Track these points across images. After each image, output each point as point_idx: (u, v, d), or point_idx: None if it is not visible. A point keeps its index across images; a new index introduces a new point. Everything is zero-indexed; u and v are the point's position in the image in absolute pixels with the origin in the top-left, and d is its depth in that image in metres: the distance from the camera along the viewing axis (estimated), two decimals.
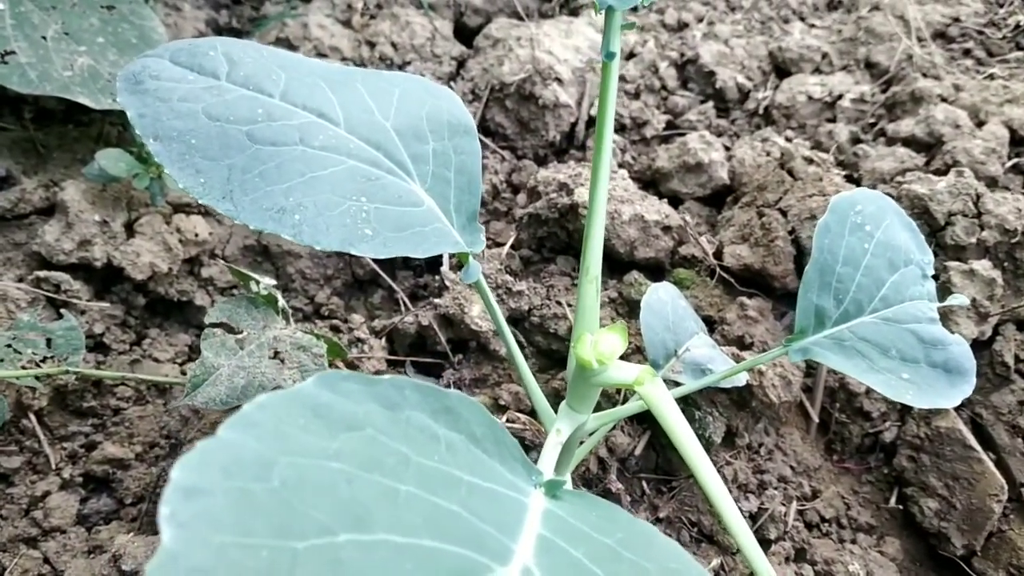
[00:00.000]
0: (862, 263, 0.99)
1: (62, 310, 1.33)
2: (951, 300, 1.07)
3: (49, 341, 1.27)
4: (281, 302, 1.27)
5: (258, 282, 1.25)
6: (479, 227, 0.97)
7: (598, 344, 0.90)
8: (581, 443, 1.15)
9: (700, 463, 0.82)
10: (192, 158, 0.83)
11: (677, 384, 1.20)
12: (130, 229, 1.47)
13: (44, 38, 1.51)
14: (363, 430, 0.54)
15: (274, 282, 1.32)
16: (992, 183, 1.49)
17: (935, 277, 1.33)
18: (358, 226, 0.83)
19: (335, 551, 0.45)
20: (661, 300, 1.23)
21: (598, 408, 1.06)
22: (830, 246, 0.97)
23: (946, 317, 1.31)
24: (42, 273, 1.38)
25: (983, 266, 1.33)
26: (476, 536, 0.54)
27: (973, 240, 1.37)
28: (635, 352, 1.39)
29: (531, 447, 1.28)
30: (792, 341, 0.98)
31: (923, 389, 0.97)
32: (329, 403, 0.54)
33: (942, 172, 1.49)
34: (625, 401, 1.30)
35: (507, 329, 1.04)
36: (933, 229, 1.40)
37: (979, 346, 1.37)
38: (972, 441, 1.27)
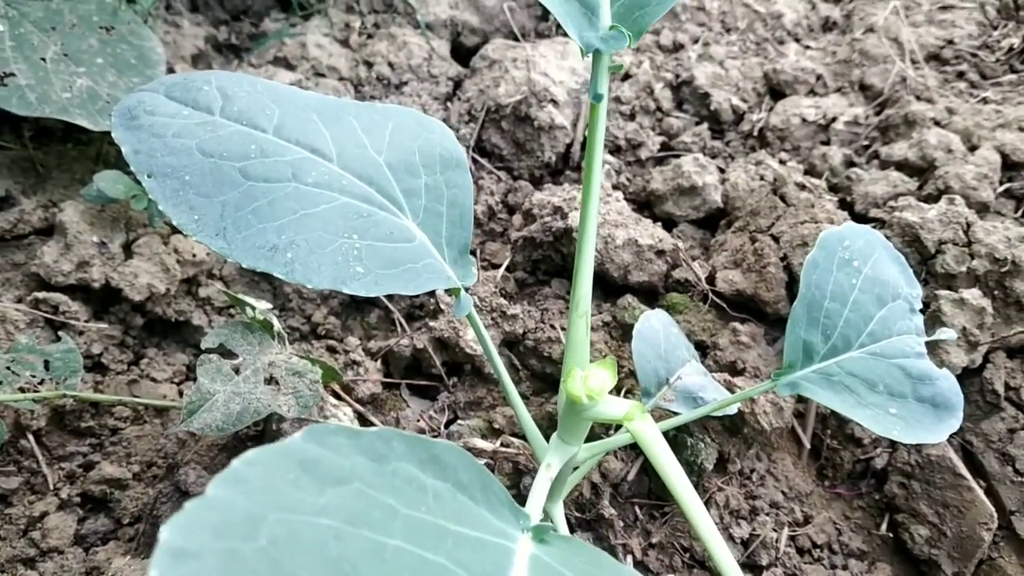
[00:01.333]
0: (850, 298, 1.00)
1: (60, 332, 1.34)
2: (939, 334, 1.08)
3: (47, 363, 1.28)
4: (277, 326, 1.27)
5: (253, 308, 1.26)
6: (471, 260, 0.98)
7: (588, 380, 0.91)
8: (575, 469, 1.16)
9: (687, 497, 0.83)
10: (186, 195, 0.84)
11: (670, 412, 1.21)
12: (128, 250, 1.48)
13: (43, 60, 1.52)
14: (350, 484, 0.55)
15: (269, 306, 1.33)
16: (984, 209, 1.50)
17: (925, 306, 1.34)
18: (349, 264, 0.84)
19: None
20: (653, 328, 1.24)
21: (592, 434, 1.07)
22: (818, 282, 0.98)
23: (936, 346, 1.32)
24: (40, 294, 1.39)
25: (973, 295, 1.34)
26: None
27: (963, 269, 1.38)
28: (628, 376, 1.40)
29: (525, 472, 1.29)
30: (780, 375, 0.99)
31: (911, 424, 0.98)
32: (317, 457, 0.54)
33: (934, 197, 1.50)
34: (618, 429, 1.31)
35: (498, 358, 1.05)
36: (924, 257, 1.41)
37: (969, 374, 1.38)
38: (962, 469, 1.28)
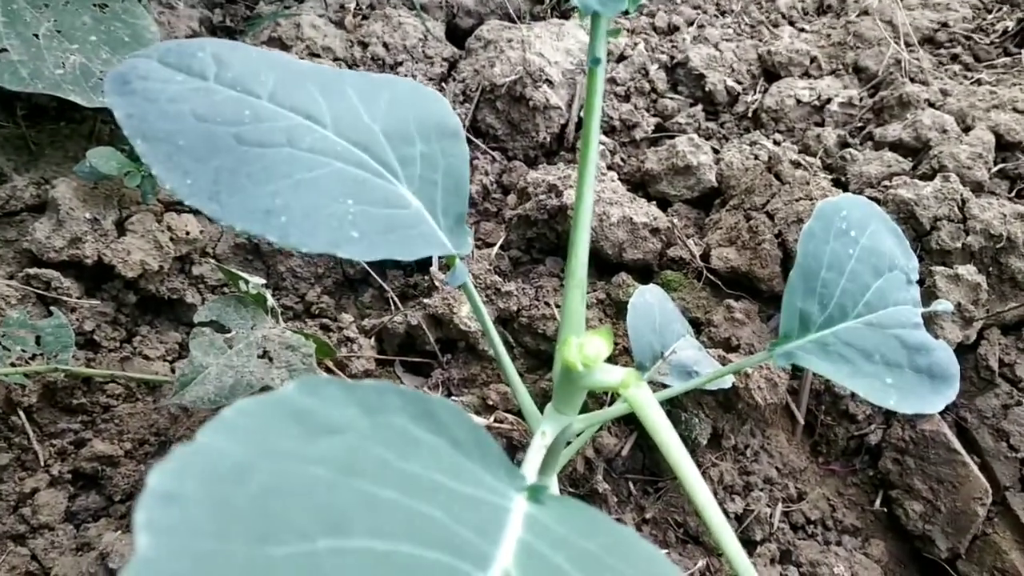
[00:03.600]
0: (847, 268, 1.00)
1: (52, 307, 1.33)
2: (935, 306, 1.08)
3: (38, 338, 1.27)
4: (270, 301, 1.27)
5: (247, 282, 1.26)
6: (466, 230, 0.97)
7: (584, 347, 0.90)
8: (568, 443, 1.15)
9: (684, 465, 0.82)
10: (179, 159, 0.83)
11: (663, 386, 1.20)
12: (121, 227, 1.48)
13: (36, 36, 1.51)
14: (344, 435, 0.54)
15: (263, 281, 1.32)
16: (978, 188, 1.49)
17: (920, 282, 1.34)
18: (344, 228, 0.83)
19: (314, 558, 0.45)
20: (648, 303, 1.24)
21: (586, 409, 1.06)
22: (815, 251, 0.98)
23: (931, 322, 1.32)
24: (32, 270, 1.38)
25: (968, 271, 1.34)
26: (456, 542, 0.54)
27: (958, 245, 1.37)
28: (623, 353, 1.40)
29: (519, 447, 1.29)
30: (776, 345, 0.99)
31: (906, 394, 0.97)
32: (310, 408, 0.54)
33: (928, 177, 1.50)
34: (612, 403, 1.31)
35: (494, 330, 1.04)
36: (919, 234, 1.41)
37: (964, 350, 1.38)
38: (956, 445, 1.28)
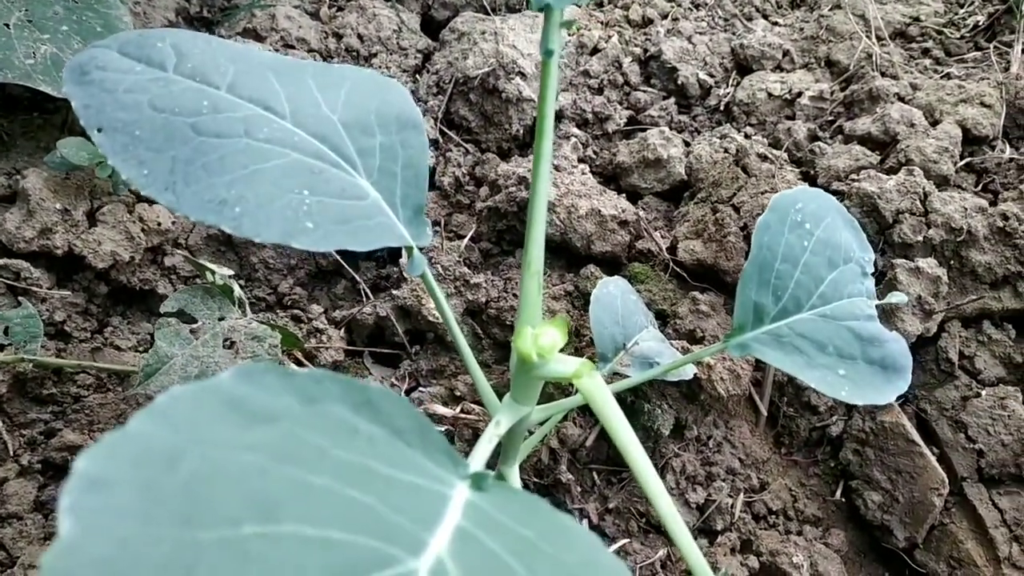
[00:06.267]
0: (801, 260, 1.01)
1: (21, 298, 1.33)
2: (890, 298, 1.09)
3: (7, 329, 1.28)
4: (237, 292, 1.27)
5: (214, 272, 1.26)
6: (425, 221, 0.98)
7: (539, 338, 0.91)
8: (531, 433, 1.16)
9: (633, 453, 0.83)
10: (136, 149, 0.83)
11: (625, 377, 1.21)
12: (92, 218, 1.48)
13: (7, 25, 1.50)
14: (279, 423, 0.54)
15: (231, 272, 1.32)
16: (944, 182, 1.50)
17: (882, 274, 1.35)
18: (299, 219, 0.84)
19: (241, 542, 0.45)
20: (611, 294, 1.25)
21: (552, 399, 1.07)
22: (769, 243, 0.99)
23: (892, 314, 1.33)
24: (1, 261, 1.38)
25: (929, 264, 1.35)
26: (390, 528, 0.54)
27: (920, 238, 1.39)
28: (590, 344, 1.41)
29: None
30: (731, 336, 1.00)
31: (859, 385, 0.98)
32: (245, 396, 0.54)
33: (895, 170, 1.51)
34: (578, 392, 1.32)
35: (453, 319, 1.05)
36: (882, 227, 1.42)
37: (925, 343, 1.39)
38: (915, 436, 1.30)
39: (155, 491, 0.44)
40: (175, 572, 0.42)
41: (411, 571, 0.53)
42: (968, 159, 1.56)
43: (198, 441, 0.48)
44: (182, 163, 0.84)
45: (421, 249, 0.98)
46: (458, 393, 1.37)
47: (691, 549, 0.79)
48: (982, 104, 1.61)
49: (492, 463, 1.24)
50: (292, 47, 1.89)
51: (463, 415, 1.32)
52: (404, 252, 1.55)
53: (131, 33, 0.94)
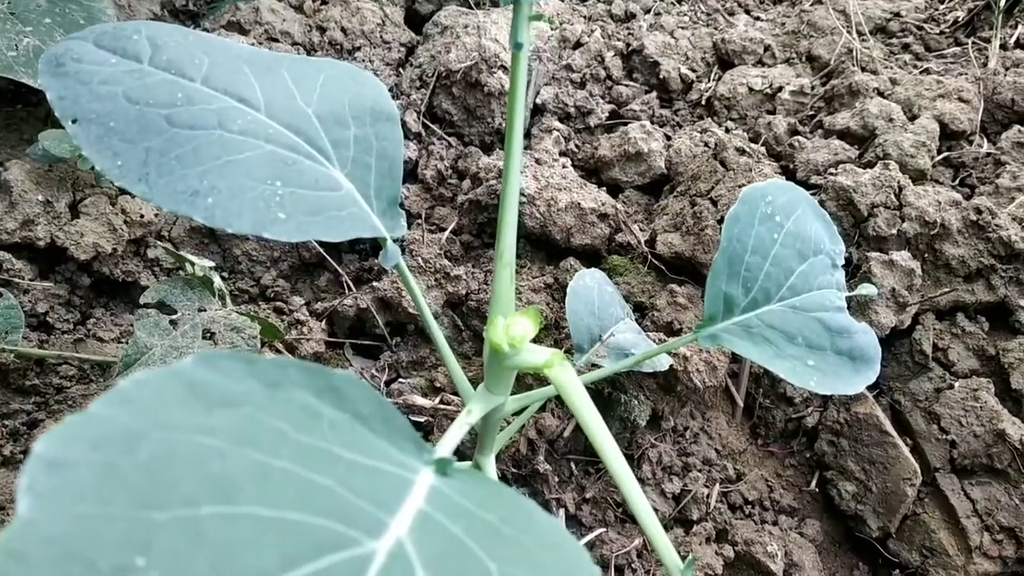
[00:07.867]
0: (771, 252, 1.01)
1: (2, 289, 1.34)
2: (860, 290, 1.10)
3: None
4: (217, 283, 1.28)
5: (194, 264, 1.27)
6: (399, 212, 0.98)
7: (510, 328, 0.92)
8: (507, 423, 1.17)
9: (602, 439, 0.84)
10: (110, 141, 0.84)
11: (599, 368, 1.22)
12: (74, 209, 1.48)
13: None
14: (240, 407, 0.55)
15: (212, 264, 1.33)
16: (921, 176, 1.52)
17: (857, 267, 1.36)
18: (271, 210, 0.85)
19: (197, 523, 0.46)
20: (587, 286, 1.26)
21: (529, 390, 1.08)
22: (739, 235, 1.00)
23: (866, 306, 1.34)
24: None
25: (903, 257, 1.36)
26: (350, 511, 0.55)
27: (894, 231, 1.40)
28: (569, 337, 1.42)
29: None
30: (702, 328, 1.01)
31: (828, 375, 0.99)
32: (207, 380, 0.55)
33: (872, 165, 1.52)
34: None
35: (427, 309, 1.06)
36: (857, 220, 1.43)
37: (899, 335, 1.40)
38: (888, 427, 1.31)
39: (113, 472, 0.44)
40: (131, 549, 0.43)
41: (370, 552, 0.53)
42: (946, 154, 1.57)
43: (158, 425, 0.49)
44: (156, 154, 0.85)
45: (397, 240, 0.99)
46: (438, 384, 1.38)
47: (655, 529, 0.80)
48: (960, 99, 1.63)
49: (469, 453, 1.25)
50: (276, 40, 1.90)
51: (442, 406, 1.33)
52: (381, 243, 1.57)
53: (107, 25, 0.94)
